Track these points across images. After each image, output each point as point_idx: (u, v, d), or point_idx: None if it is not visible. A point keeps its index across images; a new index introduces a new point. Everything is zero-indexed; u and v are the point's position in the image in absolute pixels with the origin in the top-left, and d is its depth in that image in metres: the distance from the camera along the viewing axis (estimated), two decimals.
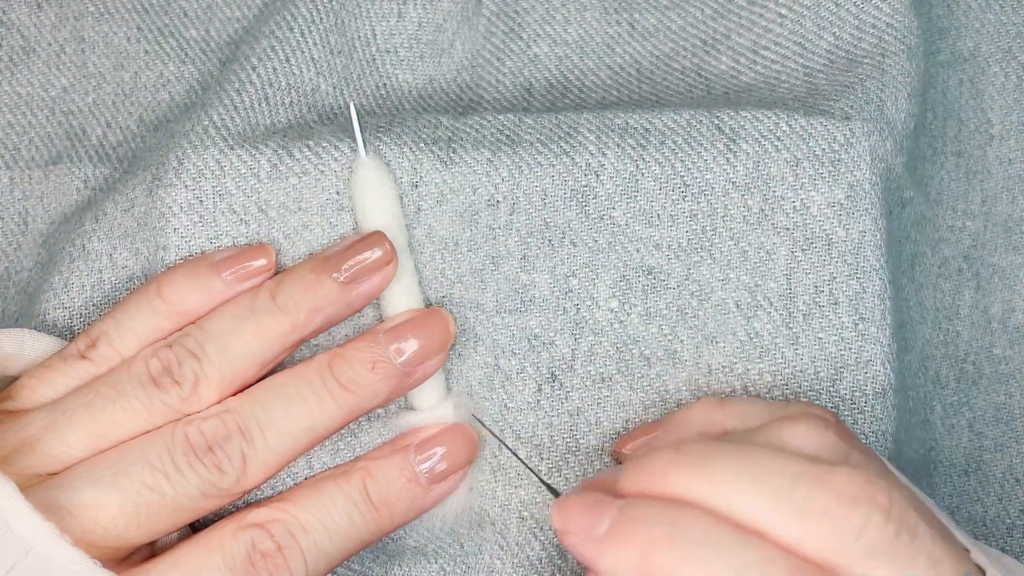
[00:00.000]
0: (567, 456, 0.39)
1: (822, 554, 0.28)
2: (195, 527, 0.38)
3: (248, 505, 0.37)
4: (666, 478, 0.30)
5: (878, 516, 0.28)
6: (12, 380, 0.37)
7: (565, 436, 0.39)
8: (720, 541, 0.28)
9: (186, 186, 0.39)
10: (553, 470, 0.39)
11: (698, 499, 0.29)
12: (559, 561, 0.39)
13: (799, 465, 0.29)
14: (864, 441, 0.38)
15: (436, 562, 0.40)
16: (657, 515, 0.29)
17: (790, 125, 0.40)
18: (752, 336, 0.39)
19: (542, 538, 0.39)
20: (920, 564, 0.28)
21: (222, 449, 0.35)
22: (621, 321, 0.40)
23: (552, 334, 0.40)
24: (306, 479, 0.38)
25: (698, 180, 0.40)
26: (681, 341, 0.39)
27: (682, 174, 0.40)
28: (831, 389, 0.39)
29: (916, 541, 0.28)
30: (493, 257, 0.40)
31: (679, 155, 0.40)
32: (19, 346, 0.38)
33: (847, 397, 0.39)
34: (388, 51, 0.45)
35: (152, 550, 0.37)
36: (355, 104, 0.40)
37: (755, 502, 0.29)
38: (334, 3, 0.43)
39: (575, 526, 0.31)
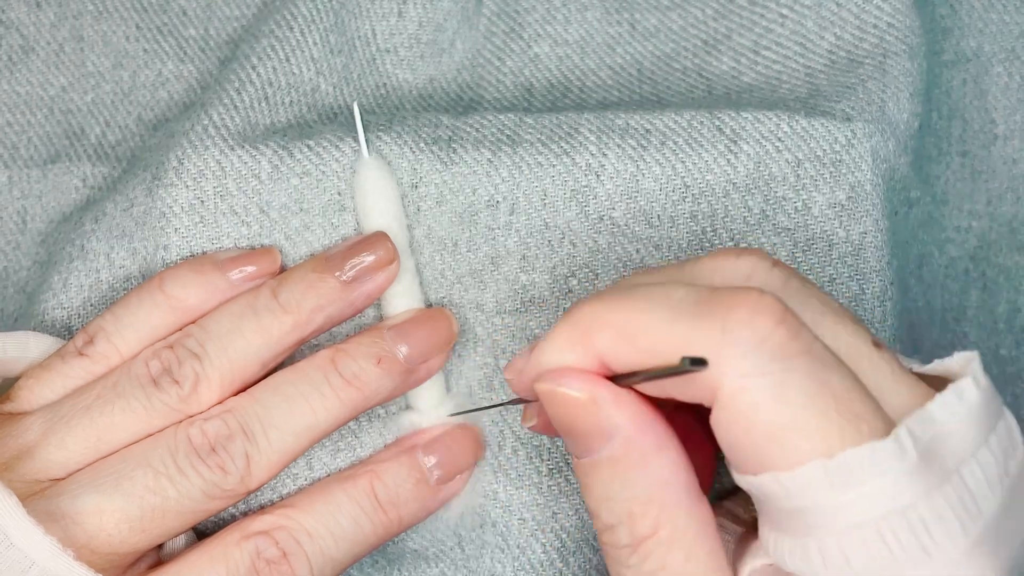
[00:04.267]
0: (567, 457, 0.40)
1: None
2: (201, 531, 0.39)
3: (253, 512, 0.38)
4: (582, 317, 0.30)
5: (767, 319, 0.27)
6: (15, 381, 0.38)
7: None
8: (644, 289, 0.29)
9: (187, 186, 0.40)
10: (553, 471, 0.40)
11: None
12: (560, 564, 0.39)
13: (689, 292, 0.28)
14: None
15: (437, 566, 0.40)
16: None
17: (791, 126, 0.40)
18: None
19: (543, 540, 0.40)
20: (801, 366, 0.26)
21: (225, 450, 0.35)
22: None
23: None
24: (311, 484, 0.39)
25: (699, 181, 0.40)
26: None
27: (683, 175, 0.40)
28: None
29: (808, 350, 0.27)
30: (493, 257, 0.41)
31: (680, 156, 0.40)
32: (23, 348, 0.38)
33: None
34: (388, 50, 0.45)
35: (158, 556, 0.37)
36: (358, 104, 0.40)
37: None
38: (334, 2, 0.44)
39: (517, 360, 0.32)
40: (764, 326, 0.26)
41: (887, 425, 0.26)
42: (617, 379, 0.29)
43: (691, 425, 0.33)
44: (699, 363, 0.26)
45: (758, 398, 0.26)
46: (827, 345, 0.27)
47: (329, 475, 0.39)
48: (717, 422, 0.27)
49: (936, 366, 0.29)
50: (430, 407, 0.40)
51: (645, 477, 0.29)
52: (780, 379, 0.26)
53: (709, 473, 0.34)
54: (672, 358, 0.27)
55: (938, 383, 0.29)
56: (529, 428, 0.34)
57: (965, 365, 0.28)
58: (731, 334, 0.26)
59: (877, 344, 0.29)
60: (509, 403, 0.37)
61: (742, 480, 0.28)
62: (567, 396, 0.29)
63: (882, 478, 0.26)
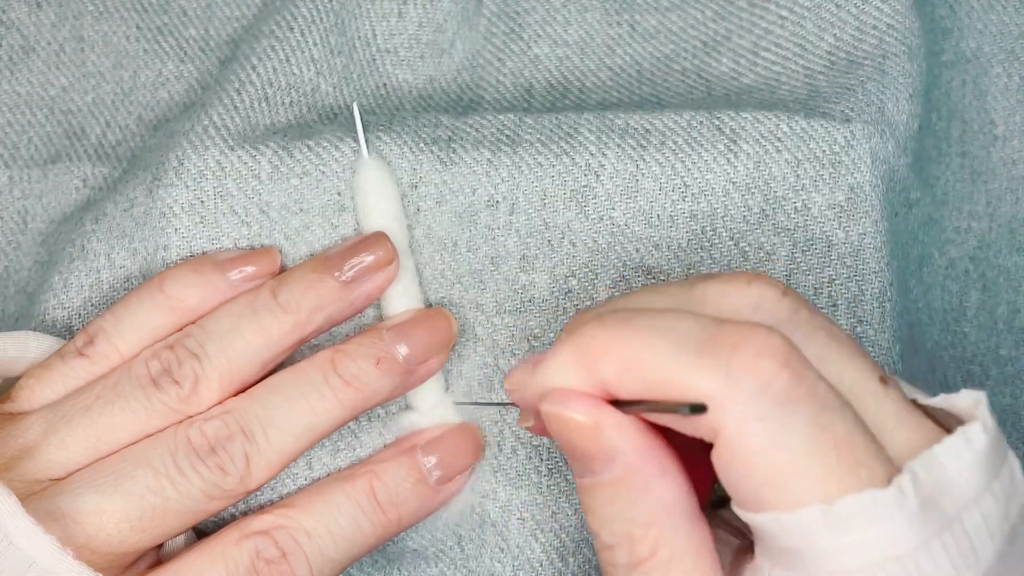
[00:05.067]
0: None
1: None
2: (201, 531, 0.39)
3: (252, 512, 0.38)
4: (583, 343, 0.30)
5: (772, 362, 0.27)
6: (16, 381, 0.38)
7: None
8: (649, 318, 0.29)
9: (187, 186, 0.40)
10: (553, 471, 0.40)
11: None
12: (559, 564, 0.40)
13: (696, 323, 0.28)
14: None
15: (436, 565, 0.41)
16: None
17: (791, 127, 0.40)
18: None
19: (543, 540, 0.40)
20: (803, 414, 0.26)
21: (224, 450, 0.36)
22: None
23: (552, 335, 0.40)
24: (311, 484, 0.39)
25: (698, 181, 0.40)
26: None
27: (682, 175, 0.40)
28: None
29: (811, 395, 0.27)
30: (492, 257, 0.41)
31: (679, 156, 0.40)
32: (23, 348, 0.39)
33: None
34: (388, 51, 0.46)
35: (158, 556, 0.37)
36: (358, 104, 0.41)
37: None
38: (334, 3, 0.44)
39: (518, 373, 0.32)
40: (768, 370, 0.26)
41: (888, 470, 0.26)
42: (620, 404, 0.29)
43: (691, 442, 0.33)
44: (698, 409, 0.26)
45: (759, 443, 0.26)
46: (832, 384, 0.27)
47: (329, 475, 0.39)
48: (718, 461, 0.27)
49: (942, 400, 0.29)
50: (429, 407, 0.40)
51: (646, 501, 0.29)
52: (782, 424, 0.26)
53: (708, 483, 0.34)
54: (675, 395, 0.27)
55: (942, 415, 0.29)
56: (525, 428, 0.34)
57: (973, 406, 0.28)
58: (734, 377, 0.26)
59: (884, 379, 0.29)
60: (509, 404, 0.37)
61: (742, 514, 0.28)
62: (571, 419, 0.29)
63: (881, 525, 0.26)
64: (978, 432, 0.27)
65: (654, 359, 0.28)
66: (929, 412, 0.30)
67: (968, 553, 0.26)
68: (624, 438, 0.29)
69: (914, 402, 0.29)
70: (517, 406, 0.36)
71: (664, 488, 0.29)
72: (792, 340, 0.27)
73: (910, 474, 0.26)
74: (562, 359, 0.29)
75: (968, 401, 0.28)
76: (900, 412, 0.28)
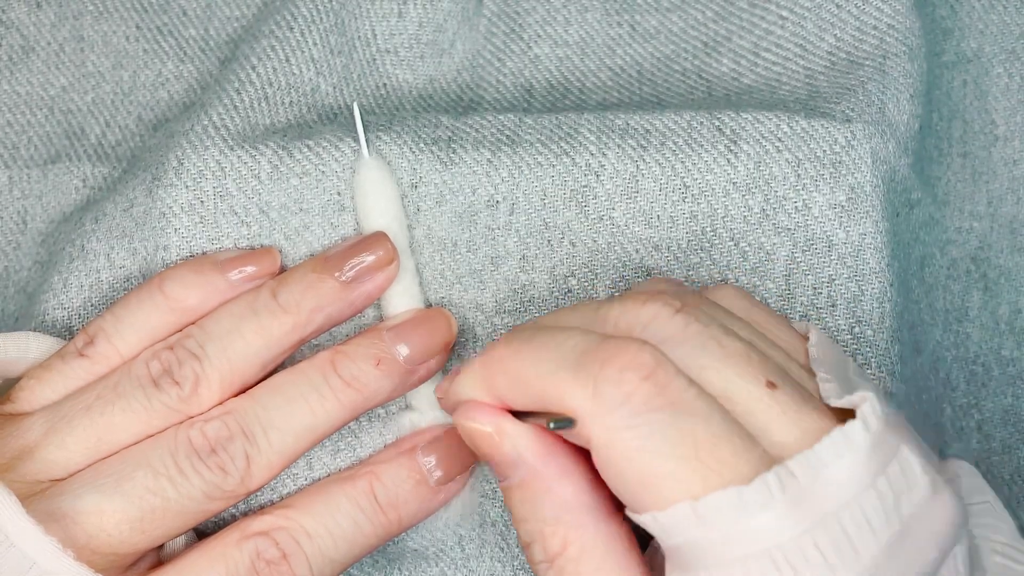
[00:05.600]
0: None
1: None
2: (201, 531, 0.39)
3: (252, 512, 0.38)
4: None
5: (634, 375, 0.29)
6: (16, 382, 0.38)
7: None
8: (547, 336, 0.31)
9: (187, 186, 0.40)
10: None
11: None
12: None
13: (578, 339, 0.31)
14: None
15: (437, 565, 0.41)
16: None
17: (791, 127, 0.41)
18: None
19: None
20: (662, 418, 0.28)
21: (225, 451, 0.36)
22: None
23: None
24: (311, 485, 0.39)
25: (698, 181, 0.40)
26: None
27: (682, 175, 0.40)
28: None
29: (674, 403, 0.28)
30: (492, 257, 0.41)
31: (679, 156, 0.41)
32: (24, 349, 0.39)
33: None
34: (388, 51, 0.46)
35: (158, 557, 0.37)
36: (358, 104, 0.41)
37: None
38: (334, 3, 0.44)
39: (444, 383, 0.35)
40: (630, 382, 0.29)
41: (758, 467, 0.28)
42: (521, 415, 0.32)
43: None
44: (564, 423, 0.29)
45: (625, 449, 0.28)
46: (712, 391, 0.29)
47: (329, 475, 0.39)
48: (597, 467, 0.29)
49: (845, 402, 0.30)
50: (429, 407, 0.40)
51: (551, 501, 0.31)
52: (645, 432, 0.28)
53: None
54: (553, 406, 0.30)
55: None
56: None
57: (860, 403, 0.29)
58: (600, 391, 0.29)
59: (771, 384, 0.30)
60: None
61: (631, 516, 0.29)
62: (475, 429, 0.32)
63: (749, 520, 0.27)
64: (858, 430, 0.28)
65: (537, 375, 0.30)
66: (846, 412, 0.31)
67: (846, 549, 0.27)
68: (523, 445, 0.31)
69: (823, 404, 0.31)
70: None
71: (566, 488, 0.31)
72: (666, 355, 0.29)
73: (778, 471, 0.27)
74: (471, 373, 0.32)
75: (857, 399, 0.30)
76: (786, 413, 0.29)
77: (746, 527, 0.27)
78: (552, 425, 0.29)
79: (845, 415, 0.30)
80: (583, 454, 0.32)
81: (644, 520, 0.29)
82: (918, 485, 0.29)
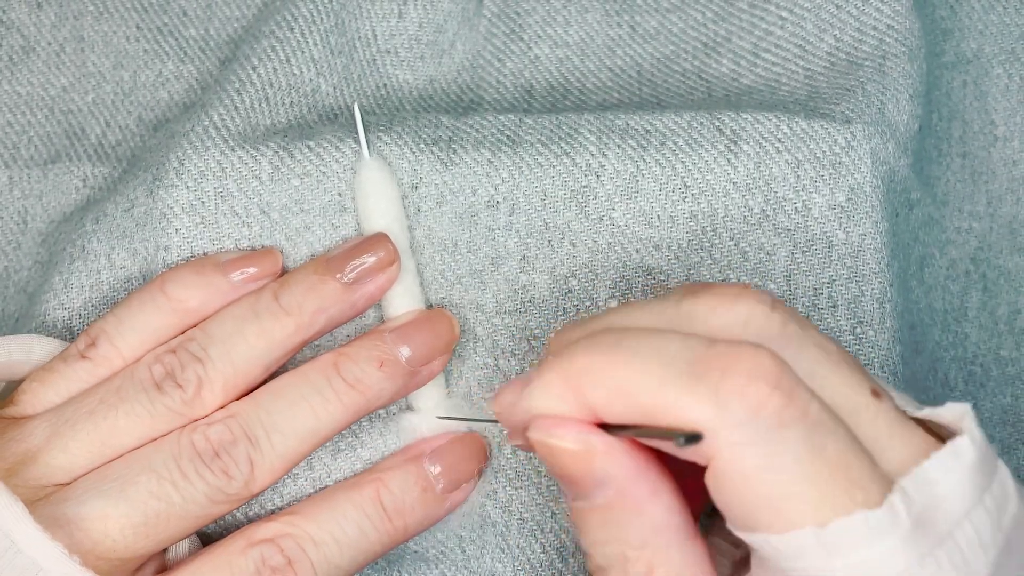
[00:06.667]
0: None
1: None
2: (202, 534, 0.39)
3: (258, 519, 0.38)
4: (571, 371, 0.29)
5: (762, 386, 0.26)
6: (19, 385, 0.38)
7: None
8: (636, 340, 0.29)
9: (187, 187, 0.40)
10: None
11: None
12: (559, 565, 0.40)
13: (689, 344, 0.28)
14: None
15: (437, 567, 0.41)
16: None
17: (791, 127, 0.41)
18: None
19: (543, 540, 0.40)
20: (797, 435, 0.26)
21: (228, 455, 0.36)
22: None
23: (552, 335, 0.40)
24: (317, 492, 0.39)
25: (698, 181, 0.40)
26: None
27: (682, 175, 0.41)
28: None
29: (803, 416, 0.26)
30: (493, 258, 0.41)
31: (680, 156, 0.41)
32: (27, 352, 0.39)
33: None
34: (389, 51, 0.46)
35: (163, 561, 0.37)
36: (359, 105, 0.41)
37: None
38: (335, 3, 0.44)
39: (506, 395, 0.32)
40: (758, 394, 0.26)
41: (883, 487, 0.26)
42: (610, 427, 0.29)
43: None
44: (693, 439, 0.26)
45: (751, 467, 0.26)
46: (824, 401, 0.27)
47: (331, 477, 0.39)
48: (711, 484, 0.27)
49: (929, 413, 0.29)
50: (430, 408, 0.40)
51: (639, 523, 0.29)
52: (774, 449, 0.26)
53: (701, 495, 0.34)
54: (666, 421, 0.27)
55: (933, 424, 0.29)
56: (515, 446, 0.34)
57: (959, 418, 0.28)
58: (725, 404, 0.26)
59: (876, 393, 0.29)
60: (495, 420, 0.37)
61: (736, 531, 0.28)
62: (560, 447, 0.29)
63: (875, 546, 0.26)
64: (967, 446, 0.27)
65: (644, 386, 0.27)
66: (920, 421, 0.30)
67: (962, 568, 0.26)
68: (614, 463, 0.29)
69: (905, 415, 0.29)
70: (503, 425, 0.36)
71: (657, 509, 0.29)
72: (782, 357, 0.27)
73: (901, 492, 0.26)
74: (549, 384, 0.29)
75: (955, 414, 0.28)
76: (892, 425, 0.28)
77: (872, 554, 0.26)
78: (682, 441, 0.26)
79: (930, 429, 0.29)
80: (672, 471, 0.30)
81: (754, 540, 0.27)
82: (1012, 498, 0.28)
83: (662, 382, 0.27)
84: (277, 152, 0.41)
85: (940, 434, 0.29)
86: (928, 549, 0.26)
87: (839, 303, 0.40)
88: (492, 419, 0.38)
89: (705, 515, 0.33)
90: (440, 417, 0.40)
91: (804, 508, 0.26)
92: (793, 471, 0.26)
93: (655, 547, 0.29)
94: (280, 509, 0.39)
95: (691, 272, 0.41)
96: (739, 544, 0.32)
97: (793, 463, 0.26)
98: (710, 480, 0.27)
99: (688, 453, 0.27)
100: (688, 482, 0.30)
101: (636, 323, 0.30)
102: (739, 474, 0.26)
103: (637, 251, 0.41)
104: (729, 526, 0.28)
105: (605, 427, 0.29)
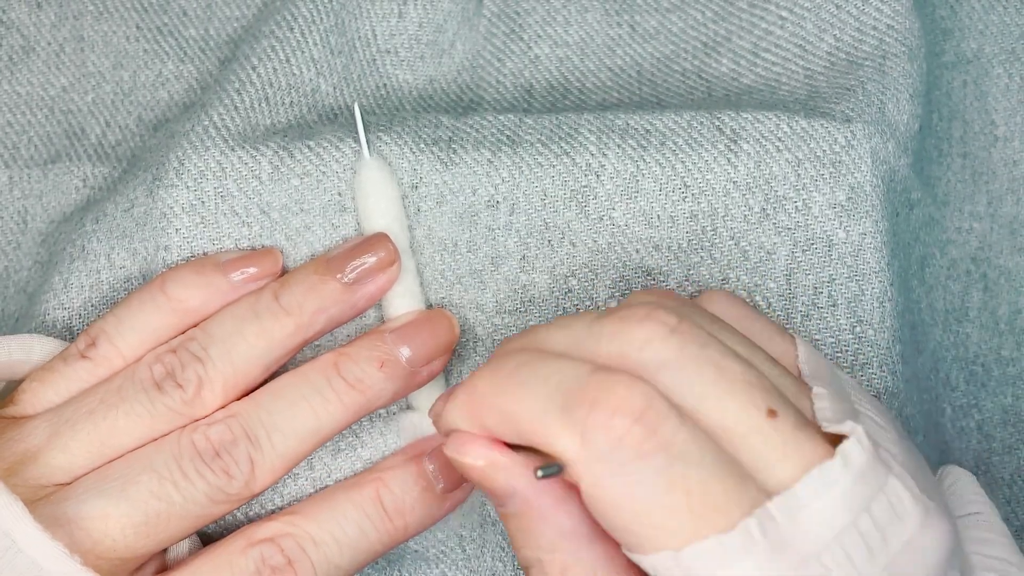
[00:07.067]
0: None
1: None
2: (203, 534, 0.39)
3: (258, 519, 0.38)
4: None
5: (624, 420, 0.28)
6: (19, 384, 0.38)
7: None
8: (534, 369, 0.31)
9: (187, 187, 0.40)
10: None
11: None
12: None
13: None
14: None
15: (438, 567, 0.41)
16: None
17: (791, 127, 0.41)
18: None
19: None
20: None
21: (229, 454, 0.36)
22: None
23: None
24: (317, 492, 0.39)
25: (699, 181, 0.41)
26: None
27: (682, 175, 0.41)
28: None
29: (665, 447, 0.28)
30: (493, 258, 0.41)
31: (680, 156, 0.41)
32: (28, 352, 0.39)
33: None
34: (388, 51, 0.46)
35: (163, 561, 0.37)
36: (359, 105, 0.41)
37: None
38: (334, 3, 0.44)
39: (436, 406, 0.34)
40: (620, 427, 0.28)
41: (749, 510, 0.27)
42: (513, 445, 0.31)
43: None
44: (552, 471, 0.29)
45: (612, 496, 0.28)
46: (708, 423, 0.29)
47: (331, 477, 0.39)
48: (586, 507, 0.29)
49: (835, 428, 0.30)
50: (429, 407, 0.40)
51: (547, 529, 0.31)
52: (633, 479, 0.28)
53: None
54: (542, 447, 0.29)
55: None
56: None
57: (850, 435, 0.29)
58: (588, 437, 0.28)
59: (772, 412, 0.29)
60: None
61: (624, 551, 0.29)
62: (467, 464, 0.31)
63: (730, 569, 0.27)
64: (837, 467, 0.28)
65: (525, 416, 0.30)
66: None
67: None
68: (517, 476, 0.31)
69: (819, 429, 0.30)
70: None
71: (561, 517, 0.31)
72: (658, 389, 0.29)
73: (759, 516, 0.27)
74: (458, 404, 0.32)
75: (848, 430, 0.29)
76: (786, 443, 0.29)
77: (728, 574, 0.27)
78: (540, 473, 0.29)
79: (842, 438, 0.29)
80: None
81: (634, 559, 0.29)
82: (908, 515, 0.28)
83: (541, 413, 0.29)
84: (277, 152, 0.41)
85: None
86: (788, 572, 0.27)
87: (839, 302, 0.40)
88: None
89: None
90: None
91: (662, 533, 0.28)
92: (651, 500, 0.28)
93: (565, 550, 0.31)
94: (280, 509, 0.39)
95: (691, 272, 0.41)
96: None
97: (652, 492, 0.28)
98: (585, 504, 0.29)
99: (567, 476, 0.29)
100: None
101: (549, 343, 0.32)
102: (602, 502, 0.28)
103: (637, 251, 0.41)
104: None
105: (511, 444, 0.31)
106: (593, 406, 0.29)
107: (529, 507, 0.31)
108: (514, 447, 0.31)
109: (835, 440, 0.29)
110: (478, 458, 0.31)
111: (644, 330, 0.30)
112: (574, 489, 0.31)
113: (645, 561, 0.28)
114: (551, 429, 0.29)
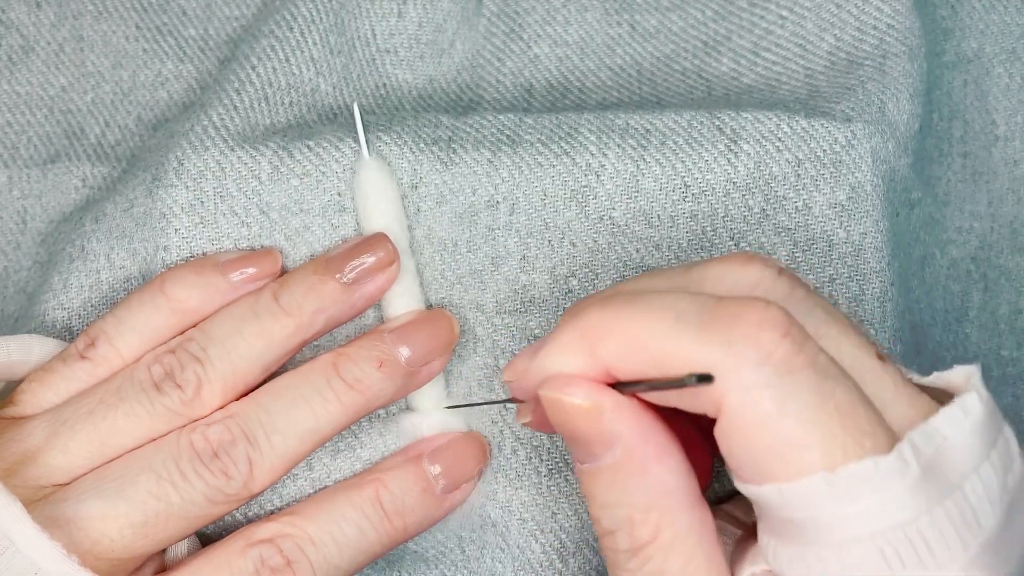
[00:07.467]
0: (567, 457, 0.40)
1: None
2: (202, 534, 0.39)
3: (258, 520, 0.38)
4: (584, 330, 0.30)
5: (772, 333, 0.27)
6: (18, 385, 0.38)
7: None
8: (649, 298, 0.29)
9: (187, 187, 0.40)
10: (553, 471, 0.40)
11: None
12: (559, 565, 0.40)
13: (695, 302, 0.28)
14: None
15: (437, 568, 0.41)
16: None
17: (791, 126, 0.41)
18: None
19: (543, 540, 0.40)
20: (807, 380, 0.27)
21: (228, 455, 0.36)
22: None
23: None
24: (317, 492, 0.39)
25: (699, 180, 0.41)
26: None
27: (683, 175, 0.41)
28: None
29: (813, 364, 0.27)
30: (493, 258, 0.41)
31: (680, 156, 0.41)
32: (27, 352, 0.39)
33: None
34: (388, 51, 0.46)
35: (162, 561, 0.38)
36: (359, 104, 0.41)
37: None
38: (334, 2, 0.44)
39: (518, 362, 0.32)
40: (769, 339, 0.27)
41: (890, 439, 0.27)
42: (621, 386, 0.29)
43: (690, 427, 0.33)
44: (705, 379, 0.26)
45: (762, 412, 0.26)
46: (831, 357, 0.28)
47: (330, 477, 0.40)
48: (721, 433, 0.28)
49: (935, 378, 0.30)
50: (430, 408, 0.41)
51: (646, 485, 0.29)
52: (784, 392, 0.26)
53: (707, 473, 0.34)
54: (677, 370, 0.27)
55: (938, 395, 0.30)
56: (523, 424, 0.35)
57: (967, 378, 0.29)
58: (736, 348, 0.27)
59: (881, 356, 0.29)
60: (505, 401, 0.37)
61: (744, 488, 0.28)
62: (570, 404, 0.29)
63: (884, 493, 0.26)
64: (974, 402, 0.28)
65: (656, 336, 0.28)
66: (925, 390, 0.30)
67: (971, 520, 0.27)
68: (623, 421, 0.29)
69: (910, 382, 0.30)
70: (512, 402, 0.36)
71: (664, 471, 0.29)
72: (791, 313, 0.28)
73: (910, 442, 0.27)
74: (563, 343, 0.30)
75: (962, 375, 0.29)
76: (898, 386, 0.29)
77: (880, 500, 0.26)
78: (694, 380, 0.26)
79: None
80: (679, 436, 0.30)
81: (766, 492, 0.27)
82: (1016, 460, 0.28)
83: (673, 331, 0.27)
84: (276, 152, 0.41)
85: (943, 403, 0.29)
86: (937, 499, 0.26)
87: (839, 302, 0.40)
88: (502, 400, 0.38)
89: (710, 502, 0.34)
90: (448, 407, 0.40)
91: (814, 454, 0.26)
92: (803, 417, 0.26)
93: (661, 510, 0.29)
94: (280, 509, 0.39)
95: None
96: (743, 526, 0.33)
97: (803, 408, 0.26)
98: (720, 430, 0.28)
99: (699, 403, 0.28)
100: (693, 458, 0.30)
101: (649, 287, 0.31)
102: (750, 419, 0.27)
103: (637, 251, 0.41)
104: (736, 482, 0.28)
105: (617, 390, 0.29)
106: (736, 320, 0.27)
107: (630, 458, 0.29)
108: (622, 391, 0.29)
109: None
110: (585, 398, 0.29)
111: (752, 270, 0.30)
112: (676, 442, 0.30)
113: (787, 490, 0.26)
114: (690, 344, 0.27)
